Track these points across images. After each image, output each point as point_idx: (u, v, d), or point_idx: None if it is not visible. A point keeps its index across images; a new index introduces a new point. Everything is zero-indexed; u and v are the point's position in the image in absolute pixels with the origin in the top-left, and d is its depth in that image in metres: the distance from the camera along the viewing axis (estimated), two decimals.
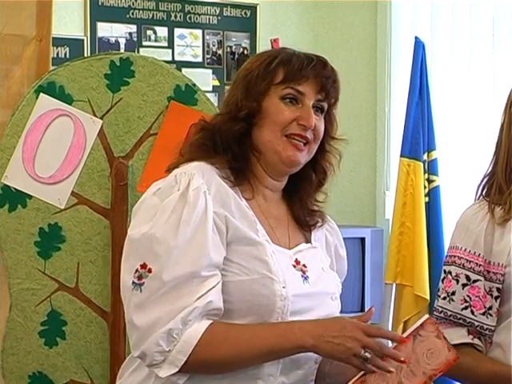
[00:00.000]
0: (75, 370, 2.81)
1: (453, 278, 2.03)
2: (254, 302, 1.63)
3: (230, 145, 1.72)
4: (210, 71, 4.18)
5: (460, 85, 3.93)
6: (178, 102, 2.81)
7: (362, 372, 1.60)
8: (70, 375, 2.82)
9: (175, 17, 4.12)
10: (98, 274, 2.81)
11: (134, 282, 1.60)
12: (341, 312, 1.81)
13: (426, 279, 3.68)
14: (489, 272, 1.99)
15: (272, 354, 1.61)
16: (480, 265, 1.99)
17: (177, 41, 4.13)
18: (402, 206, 3.81)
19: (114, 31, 4.00)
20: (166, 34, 4.10)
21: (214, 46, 4.21)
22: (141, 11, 4.05)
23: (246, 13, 4.26)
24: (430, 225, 3.77)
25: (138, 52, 3.95)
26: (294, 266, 1.72)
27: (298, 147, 1.72)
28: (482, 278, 1.99)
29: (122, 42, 4.01)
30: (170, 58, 4.07)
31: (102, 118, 2.79)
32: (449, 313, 2.02)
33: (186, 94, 2.82)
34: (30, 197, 2.76)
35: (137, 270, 1.60)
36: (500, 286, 1.98)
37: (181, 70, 3.70)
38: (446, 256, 2.09)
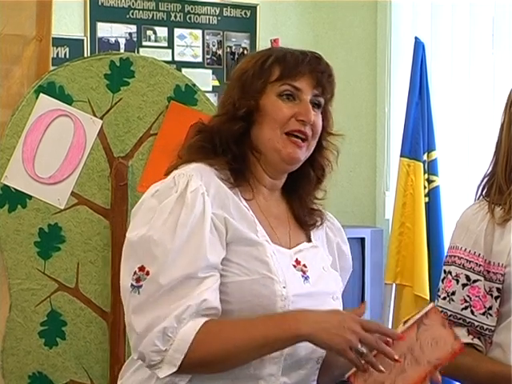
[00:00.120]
0: (75, 370, 2.81)
1: (453, 278, 2.03)
2: (254, 302, 1.62)
3: (229, 146, 1.72)
4: (210, 71, 4.18)
5: (460, 85, 3.93)
6: (178, 102, 2.81)
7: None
8: (70, 375, 2.82)
9: (175, 17, 4.12)
10: (98, 275, 2.81)
11: (132, 285, 1.61)
12: None
13: (426, 279, 3.68)
14: (489, 272, 1.99)
15: (268, 345, 1.59)
16: (480, 265, 1.99)
17: (177, 41, 4.13)
18: (401, 206, 3.81)
19: (114, 31, 4.00)
20: (165, 34, 4.10)
21: (213, 46, 4.21)
22: (141, 11, 4.05)
23: (245, 13, 4.26)
24: (429, 225, 3.77)
25: (138, 52, 3.95)
26: (295, 266, 1.72)
27: (297, 144, 1.72)
28: (482, 278, 1.99)
29: (122, 42, 4.01)
30: (169, 58, 4.07)
31: (101, 118, 2.79)
32: (449, 313, 2.02)
33: (186, 94, 2.82)
34: (30, 197, 2.76)
35: (135, 273, 1.60)
36: (500, 286, 1.98)
37: (181, 71, 3.70)
38: (446, 256, 2.09)
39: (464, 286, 2.01)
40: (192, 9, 4.15)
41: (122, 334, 2.77)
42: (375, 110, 4.46)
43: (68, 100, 2.77)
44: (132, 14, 4.03)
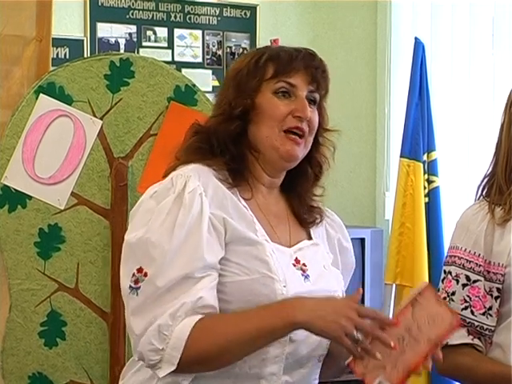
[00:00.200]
0: (75, 370, 2.81)
1: (453, 278, 2.03)
2: (254, 301, 1.62)
3: (226, 146, 1.72)
4: (210, 72, 4.17)
5: (460, 85, 3.93)
6: (178, 103, 2.81)
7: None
8: (70, 376, 2.82)
9: (175, 17, 4.12)
10: (98, 275, 2.81)
11: (131, 286, 1.61)
12: None
13: (426, 280, 3.68)
14: (489, 272, 1.99)
15: (264, 335, 1.58)
16: (480, 265, 1.99)
17: (177, 41, 4.13)
18: (401, 206, 3.80)
19: (114, 32, 4.00)
20: (165, 35, 4.10)
21: (213, 46, 4.20)
22: (141, 12, 4.05)
23: (245, 13, 4.26)
24: (429, 225, 3.76)
25: (138, 52, 3.95)
26: (294, 265, 1.72)
27: (295, 141, 1.72)
28: (482, 278, 1.99)
29: (122, 42, 4.01)
30: (169, 59, 4.07)
31: (101, 119, 2.79)
32: None
33: (186, 95, 2.82)
34: (30, 197, 2.76)
35: (133, 275, 1.61)
36: (500, 286, 1.98)
37: (181, 71, 3.70)
38: (446, 256, 2.09)
39: (464, 286, 2.01)
40: (192, 9, 4.15)
41: (122, 335, 2.77)
42: (375, 110, 4.46)
43: (68, 100, 2.77)
44: (132, 14, 4.03)
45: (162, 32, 4.10)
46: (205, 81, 4.06)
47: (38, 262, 2.78)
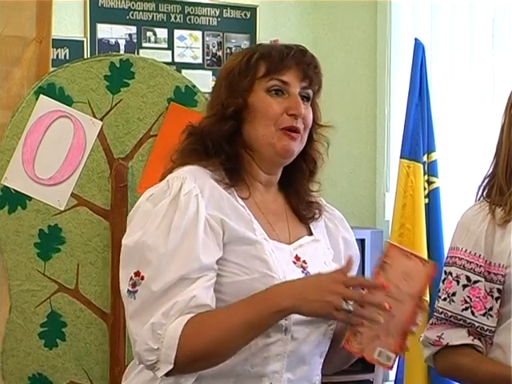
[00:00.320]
0: (75, 371, 2.81)
1: (453, 279, 2.03)
2: None
3: (221, 146, 1.72)
4: (210, 72, 4.17)
5: (460, 86, 3.93)
6: (178, 104, 2.81)
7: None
8: (70, 377, 2.82)
9: (175, 18, 4.12)
10: (98, 276, 2.81)
11: (129, 290, 1.61)
12: None
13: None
14: (489, 273, 1.99)
15: (254, 327, 1.58)
16: (480, 266, 1.99)
17: (177, 42, 4.13)
18: (401, 207, 3.80)
19: (114, 32, 4.00)
20: (165, 36, 4.10)
21: (213, 47, 4.21)
22: (141, 12, 4.05)
23: (245, 14, 4.26)
24: (429, 226, 3.76)
25: (138, 53, 3.95)
26: (294, 263, 1.72)
27: (291, 136, 1.71)
28: (483, 279, 1.99)
29: (122, 43, 4.01)
30: (169, 60, 4.07)
31: (101, 120, 2.79)
32: (449, 314, 2.02)
33: (186, 96, 2.82)
34: (30, 198, 2.76)
35: (131, 278, 1.61)
36: (500, 286, 1.98)
37: (181, 72, 3.71)
38: (447, 257, 2.08)
39: (464, 286, 2.00)
40: (192, 10, 4.15)
41: (122, 336, 2.77)
42: (375, 111, 4.45)
43: (68, 101, 2.77)
44: (132, 15, 4.03)
45: (162, 33, 4.10)
46: (205, 82, 4.05)
47: (38, 262, 2.78)
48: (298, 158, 1.78)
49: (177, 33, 4.13)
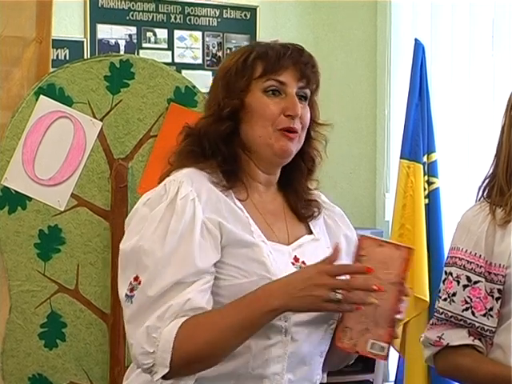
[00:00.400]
0: (75, 371, 2.81)
1: (454, 279, 2.03)
2: None
3: (218, 147, 1.71)
4: (210, 73, 4.17)
5: (460, 87, 3.93)
6: (178, 104, 2.81)
7: (341, 316, 1.59)
8: (70, 377, 2.81)
9: (175, 19, 4.12)
10: (98, 276, 2.81)
11: (126, 295, 1.62)
12: None
13: (426, 281, 3.67)
14: (490, 273, 1.99)
15: (246, 328, 1.58)
16: (481, 266, 1.99)
17: (177, 43, 4.13)
18: (401, 207, 3.80)
19: (114, 33, 4.00)
20: (165, 36, 4.11)
21: (213, 47, 4.21)
22: (141, 13, 4.05)
23: (245, 15, 4.26)
24: (429, 227, 3.76)
25: (138, 54, 3.95)
26: (293, 264, 1.71)
27: (288, 136, 1.71)
28: (483, 279, 1.99)
29: (122, 43, 4.01)
30: (169, 60, 4.07)
31: (101, 120, 2.79)
32: (449, 314, 2.02)
33: (186, 96, 2.82)
34: (30, 199, 2.76)
35: (130, 283, 1.62)
36: (501, 287, 1.98)
37: (181, 72, 3.71)
38: (447, 257, 2.08)
39: (465, 287, 2.00)
40: (192, 10, 4.15)
41: (122, 336, 2.76)
42: (375, 111, 4.46)
43: (68, 102, 2.77)
44: (132, 15, 4.03)
45: (162, 33, 4.10)
46: (205, 82, 4.02)
47: (38, 263, 2.77)
48: (296, 157, 1.77)
49: (177, 33, 4.13)
